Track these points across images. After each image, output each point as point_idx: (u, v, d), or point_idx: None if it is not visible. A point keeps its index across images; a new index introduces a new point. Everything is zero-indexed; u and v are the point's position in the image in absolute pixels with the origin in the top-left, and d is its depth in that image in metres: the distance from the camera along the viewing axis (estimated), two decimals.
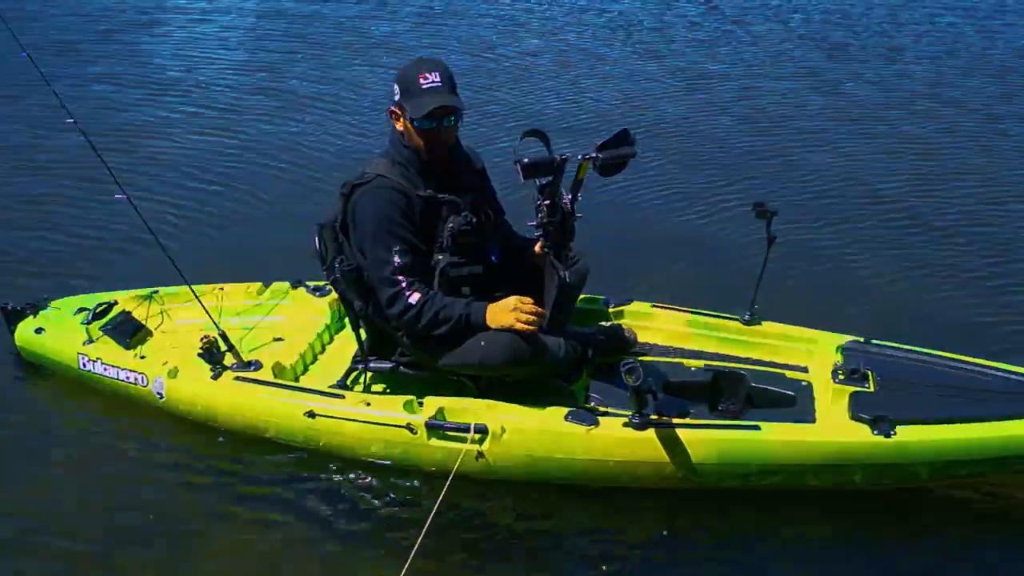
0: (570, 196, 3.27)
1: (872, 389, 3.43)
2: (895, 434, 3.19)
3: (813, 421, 3.37)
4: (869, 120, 7.70)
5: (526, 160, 3.11)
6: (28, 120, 7.53)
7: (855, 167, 6.69)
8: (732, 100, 8.26)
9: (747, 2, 11.66)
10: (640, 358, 3.88)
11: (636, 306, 4.07)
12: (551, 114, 7.86)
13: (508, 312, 3.31)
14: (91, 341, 4.05)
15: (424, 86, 3.30)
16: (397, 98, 3.36)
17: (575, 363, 3.71)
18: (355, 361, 3.78)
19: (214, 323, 3.85)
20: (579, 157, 3.18)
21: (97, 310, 4.17)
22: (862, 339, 3.75)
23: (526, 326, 3.28)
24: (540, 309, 3.32)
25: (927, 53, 9.67)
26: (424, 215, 3.39)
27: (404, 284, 3.30)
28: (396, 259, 3.30)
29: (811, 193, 6.26)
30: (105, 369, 3.97)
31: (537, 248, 3.35)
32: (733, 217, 5.83)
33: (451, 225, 3.36)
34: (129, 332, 4.13)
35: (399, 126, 3.42)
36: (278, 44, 10.25)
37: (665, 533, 3.38)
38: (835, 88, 8.57)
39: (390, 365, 3.69)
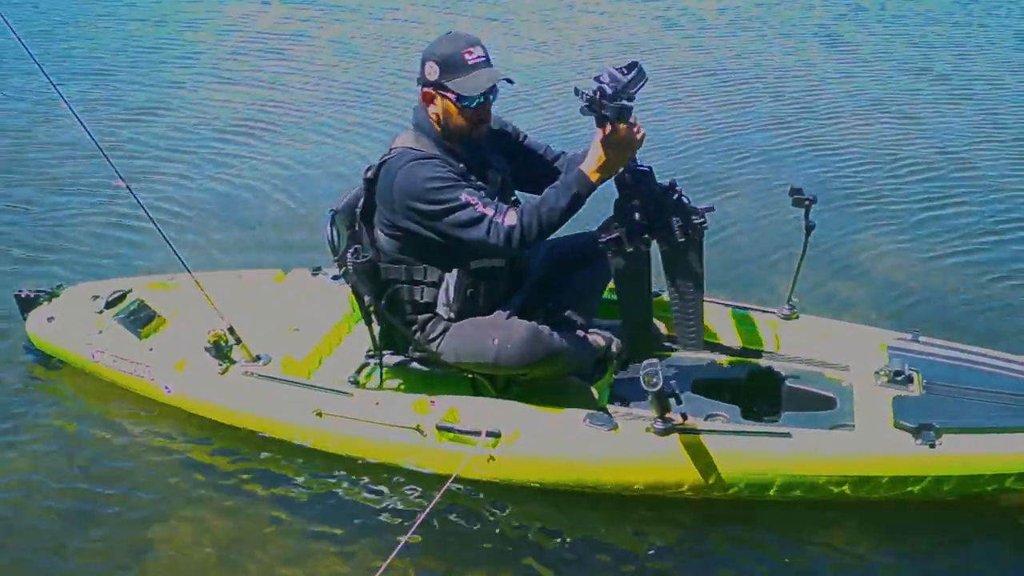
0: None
1: (918, 392, 3.16)
2: (940, 444, 2.92)
3: (852, 427, 3.10)
4: (912, 106, 7.28)
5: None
6: (32, 108, 7.46)
7: (897, 151, 6.30)
8: (771, 86, 7.85)
9: None
10: (669, 353, 3.67)
11: (666, 298, 3.79)
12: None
13: (620, 154, 2.93)
14: (101, 332, 3.92)
15: (470, 61, 3.06)
16: (435, 78, 3.08)
17: (599, 359, 3.50)
18: (368, 356, 3.60)
19: (221, 316, 3.68)
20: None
21: (110, 298, 4.03)
22: (909, 336, 3.47)
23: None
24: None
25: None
26: None
27: (491, 212, 2.97)
28: (470, 198, 2.99)
29: (852, 179, 5.86)
30: (113, 361, 3.84)
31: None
32: (768, 204, 5.48)
33: None
34: (142, 321, 3.97)
35: (434, 109, 3.16)
36: (295, 24, 10.07)
37: (684, 547, 3.14)
38: (882, 75, 8.13)
39: (404, 359, 3.50)
